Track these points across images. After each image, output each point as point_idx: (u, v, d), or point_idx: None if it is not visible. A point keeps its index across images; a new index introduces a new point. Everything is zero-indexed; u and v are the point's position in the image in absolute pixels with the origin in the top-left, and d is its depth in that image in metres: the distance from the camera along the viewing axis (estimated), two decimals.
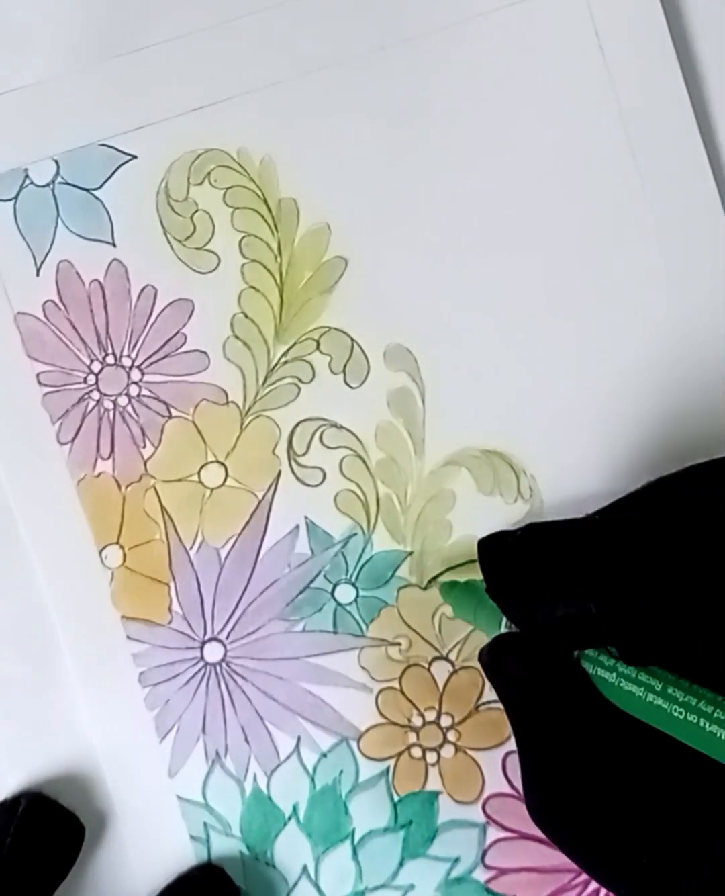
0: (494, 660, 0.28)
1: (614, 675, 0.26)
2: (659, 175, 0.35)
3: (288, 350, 0.36)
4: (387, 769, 0.35)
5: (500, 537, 0.27)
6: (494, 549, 0.27)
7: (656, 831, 0.24)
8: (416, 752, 0.35)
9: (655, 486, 0.27)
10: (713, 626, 0.23)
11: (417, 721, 0.35)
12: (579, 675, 0.26)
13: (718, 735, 0.23)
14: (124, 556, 0.36)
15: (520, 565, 0.26)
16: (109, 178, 0.36)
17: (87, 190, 0.36)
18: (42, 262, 0.36)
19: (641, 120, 0.35)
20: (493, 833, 0.35)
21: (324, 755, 0.36)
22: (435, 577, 0.36)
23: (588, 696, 0.26)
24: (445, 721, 0.35)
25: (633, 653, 0.25)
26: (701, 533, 0.24)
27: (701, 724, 0.23)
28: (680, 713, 0.24)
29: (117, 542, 0.36)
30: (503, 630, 0.30)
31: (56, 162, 0.36)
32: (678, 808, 0.24)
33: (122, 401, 0.36)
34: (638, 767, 0.25)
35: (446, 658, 0.36)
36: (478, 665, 0.35)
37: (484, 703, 0.35)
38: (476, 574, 0.31)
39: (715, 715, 0.23)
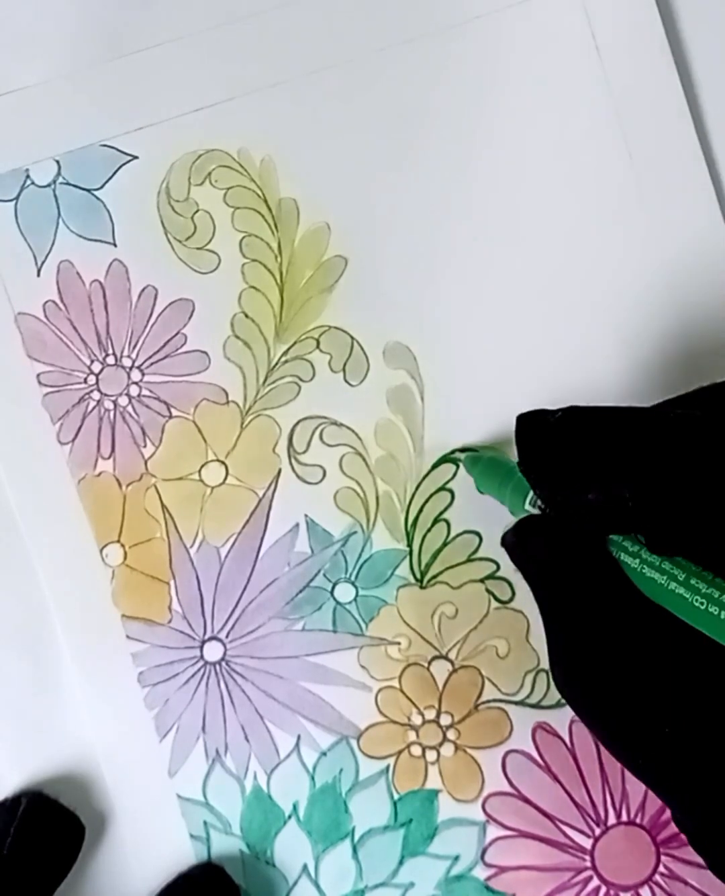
0: (519, 540, 0.28)
1: (638, 560, 0.26)
2: (656, 176, 0.35)
3: (288, 349, 0.36)
4: (387, 768, 0.35)
5: (539, 415, 0.27)
6: (532, 425, 0.27)
7: (675, 708, 0.25)
8: (416, 750, 0.35)
9: (705, 390, 0.27)
10: None
11: (417, 720, 0.36)
12: (604, 557, 0.26)
13: None
14: (125, 554, 0.36)
15: (557, 445, 0.26)
16: (110, 178, 0.36)
17: (88, 190, 0.36)
18: (43, 263, 0.36)
19: (637, 121, 0.35)
20: (493, 831, 0.35)
21: (324, 754, 0.36)
22: (459, 450, 0.35)
23: (613, 577, 0.26)
24: (445, 720, 0.35)
25: (660, 542, 0.25)
26: None
27: (721, 615, 0.23)
28: (701, 604, 0.24)
29: (118, 541, 0.36)
30: (527, 507, 0.30)
31: (57, 162, 0.36)
32: (696, 689, 0.25)
33: (123, 401, 0.36)
34: (660, 648, 0.25)
35: (445, 657, 0.36)
36: (478, 664, 0.35)
37: (483, 703, 0.35)
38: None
39: None
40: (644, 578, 0.26)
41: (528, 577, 0.29)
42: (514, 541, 0.29)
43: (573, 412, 0.26)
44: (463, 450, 0.36)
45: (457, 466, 0.36)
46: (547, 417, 0.26)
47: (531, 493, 0.29)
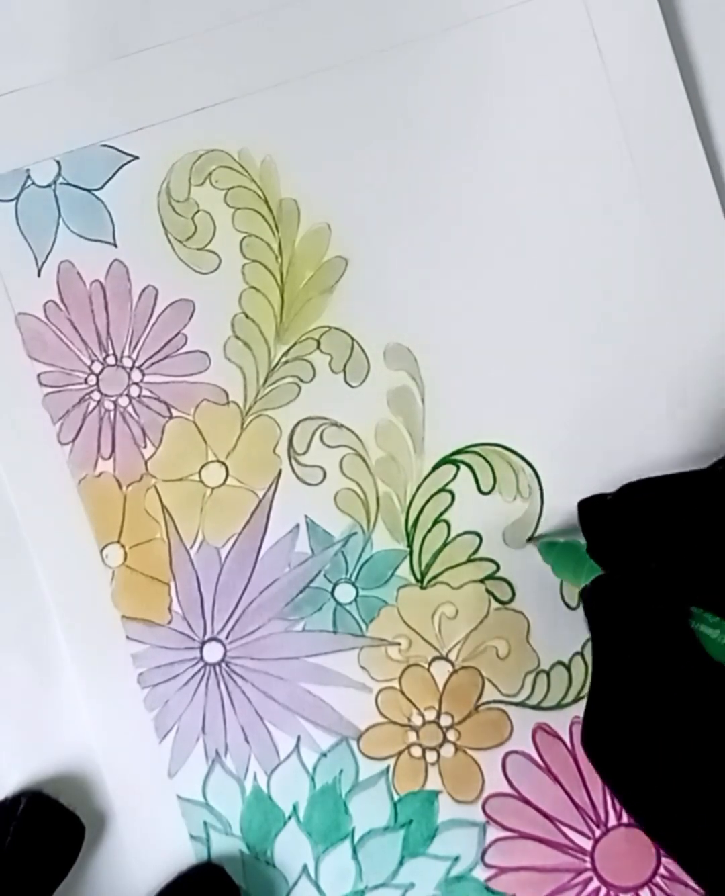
0: (596, 594, 0.29)
1: (718, 632, 0.26)
2: (657, 176, 0.35)
3: (288, 350, 0.36)
4: (387, 768, 0.35)
5: (597, 499, 0.28)
6: (591, 510, 0.28)
7: (717, 797, 0.24)
8: (416, 751, 0.35)
9: None
10: None
11: (417, 720, 0.36)
12: (681, 626, 0.26)
13: None
14: (125, 554, 0.36)
15: (616, 524, 0.27)
16: (111, 178, 0.36)
17: (88, 190, 0.36)
18: (43, 263, 0.36)
19: (639, 121, 0.35)
20: (493, 832, 0.35)
21: (324, 754, 0.36)
22: (533, 538, 0.36)
23: (685, 645, 0.26)
24: (445, 720, 0.35)
25: None
26: None
27: None
28: None
29: (118, 541, 0.36)
30: None
31: (58, 162, 0.36)
32: None
33: (123, 401, 0.36)
34: (716, 729, 0.25)
35: (446, 658, 0.36)
36: (478, 665, 0.35)
37: (483, 703, 0.35)
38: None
39: None
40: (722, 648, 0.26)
41: (596, 632, 0.28)
42: (591, 594, 0.29)
43: (626, 490, 0.27)
44: (537, 537, 0.36)
45: (458, 468, 0.36)
46: (604, 499, 0.28)
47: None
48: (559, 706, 0.35)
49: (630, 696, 0.26)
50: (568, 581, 0.34)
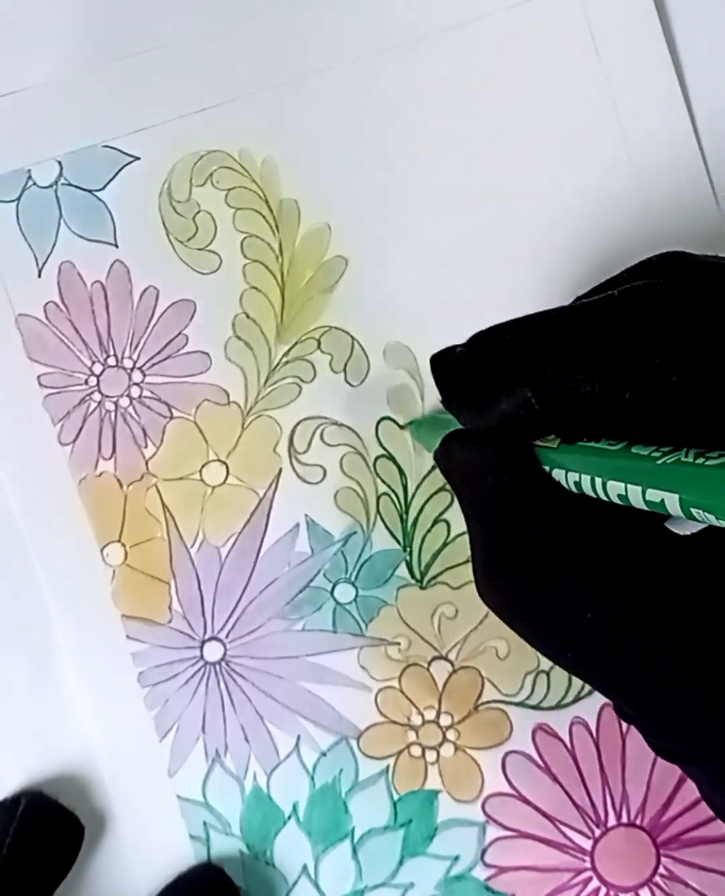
0: (445, 449, 0.28)
1: (557, 454, 0.25)
2: (655, 177, 0.35)
3: (289, 349, 0.36)
4: (387, 768, 0.35)
5: (447, 350, 0.27)
6: (442, 360, 0.27)
7: (597, 596, 0.24)
8: (416, 750, 0.35)
9: (615, 278, 0.27)
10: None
11: (417, 720, 0.36)
12: (527, 457, 0.26)
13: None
14: (125, 553, 0.36)
15: (465, 369, 0.26)
16: (112, 179, 0.36)
17: (89, 191, 0.36)
18: (44, 263, 0.37)
19: (636, 121, 0.35)
20: (493, 831, 0.35)
21: (324, 754, 0.36)
22: (404, 426, 0.36)
23: (535, 474, 0.26)
24: (445, 720, 0.35)
25: (571, 434, 0.25)
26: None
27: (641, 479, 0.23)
28: (623, 476, 0.23)
29: (119, 540, 0.36)
30: None
31: (59, 163, 0.36)
32: (619, 577, 0.24)
33: (124, 402, 0.36)
34: (585, 542, 0.25)
35: (445, 658, 0.36)
36: (478, 665, 0.35)
37: (483, 703, 0.35)
38: None
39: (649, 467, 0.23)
40: (564, 469, 0.25)
41: (452, 484, 0.28)
42: (441, 450, 0.28)
43: (475, 337, 0.27)
44: (408, 424, 0.36)
45: None
46: (454, 348, 0.27)
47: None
48: (559, 706, 0.35)
49: (503, 531, 0.26)
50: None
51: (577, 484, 0.25)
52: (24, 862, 0.33)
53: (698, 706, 0.23)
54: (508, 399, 0.25)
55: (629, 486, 0.23)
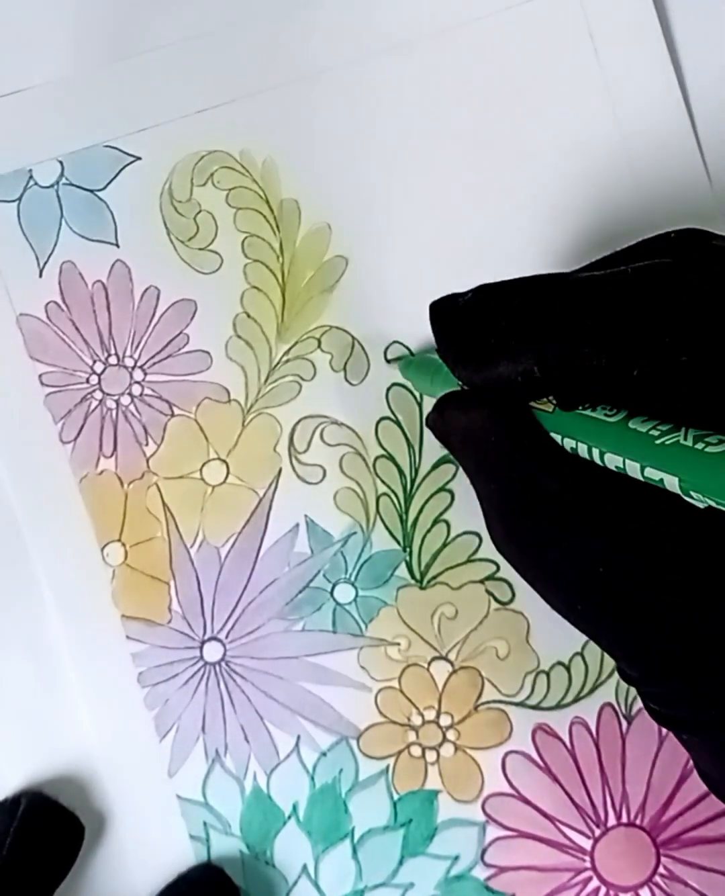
0: (439, 413, 0.28)
1: (555, 417, 0.26)
2: (655, 177, 0.36)
3: (289, 348, 0.36)
4: (387, 768, 0.35)
5: (450, 298, 0.27)
6: (444, 309, 0.26)
7: (609, 549, 0.24)
8: (416, 750, 0.35)
9: (620, 253, 0.27)
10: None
11: (417, 720, 0.36)
12: (524, 415, 0.26)
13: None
14: (125, 553, 0.36)
15: (467, 323, 0.25)
16: (113, 179, 0.36)
17: (90, 191, 0.36)
18: (45, 263, 0.37)
19: (635, 122, 0.35)
20: (493, 831, 0.35)
21: (324, 754, 0.36)
22: (392, 360, 0.36)
23: (533, 432, 0.26)
24: (444, 720, 0.35)
25: (569, 401, 0.25)
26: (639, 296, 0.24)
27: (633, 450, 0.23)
28: (613, 446, 0.24)
29: (119, 540, 0.36)
30: None
31: (60, 163, 0.36)
32: (626, 530, 0.24)
33: (125, 400, 0.36)
34: (588, 496, 0.25)
35: (445, 658, 0.36)
36: (478, 665, 0.35)
37: (483, 703, 0.35)
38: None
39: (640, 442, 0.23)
40: (562, 419, 0.25)
41: (451, 447, 0.28)
42: (435, 415, 0.28)
43: (481, 290, 0.26)
44: (396, 358, 0.36)
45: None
46: (458, 299, 0.26)
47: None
48: (559, 706, 0.35)
49: (512, 487, 0.26)
50: (425, 392, 0.34)
51: (573, 449, 0.25)
52: (24, 862, 0.33)
53: (705, 673, 0.23)
54: (510, 363, 0.24)
55: (627, 461, 0.23)
